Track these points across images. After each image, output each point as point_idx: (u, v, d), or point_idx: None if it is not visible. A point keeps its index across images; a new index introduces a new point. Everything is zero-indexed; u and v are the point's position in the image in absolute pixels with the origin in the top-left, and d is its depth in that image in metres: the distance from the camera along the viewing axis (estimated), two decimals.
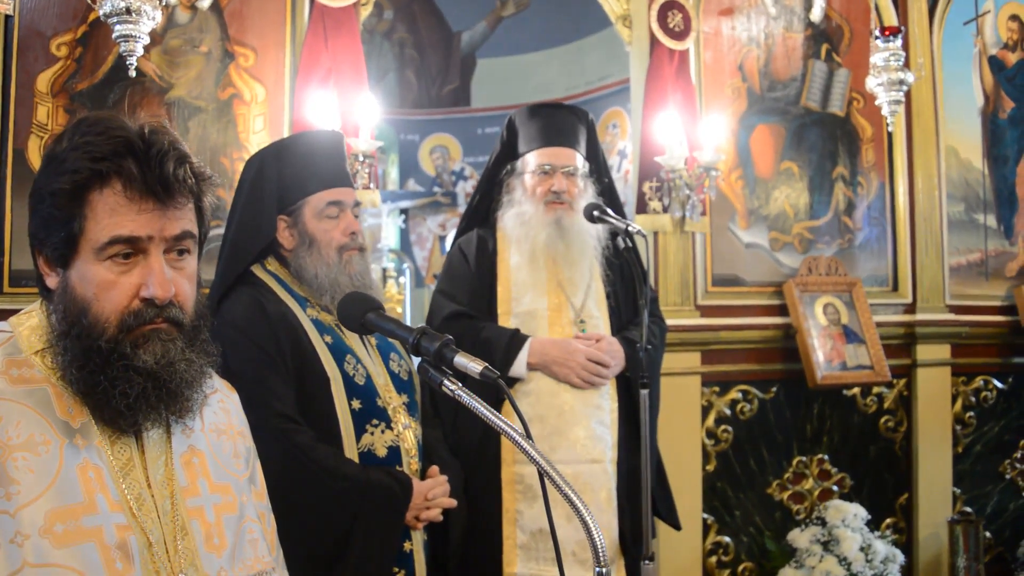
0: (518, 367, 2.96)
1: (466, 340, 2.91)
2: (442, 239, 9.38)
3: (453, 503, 2.46)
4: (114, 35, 2.99)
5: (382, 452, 2.39)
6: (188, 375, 1.37)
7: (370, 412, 2.39)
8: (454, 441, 2.83)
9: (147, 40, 3.03)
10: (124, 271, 1.33)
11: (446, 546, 2.56)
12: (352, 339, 2.47)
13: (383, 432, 2.40)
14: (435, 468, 2.48)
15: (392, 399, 2.45)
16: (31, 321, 1.40)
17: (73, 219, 1.32)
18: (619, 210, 3.23)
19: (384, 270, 7.68)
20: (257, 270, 2.49)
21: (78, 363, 1.31)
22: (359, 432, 2.37)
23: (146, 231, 1.33)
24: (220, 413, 1.54)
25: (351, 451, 2.35)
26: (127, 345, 1.32)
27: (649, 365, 2.91)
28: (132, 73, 3.07)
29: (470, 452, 2.90)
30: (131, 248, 1.33)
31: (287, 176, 2.47)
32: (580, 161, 3.12)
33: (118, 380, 1.31)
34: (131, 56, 3.00)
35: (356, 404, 2.37)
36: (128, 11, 2.93)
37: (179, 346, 1.37)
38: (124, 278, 1.33)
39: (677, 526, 3.24)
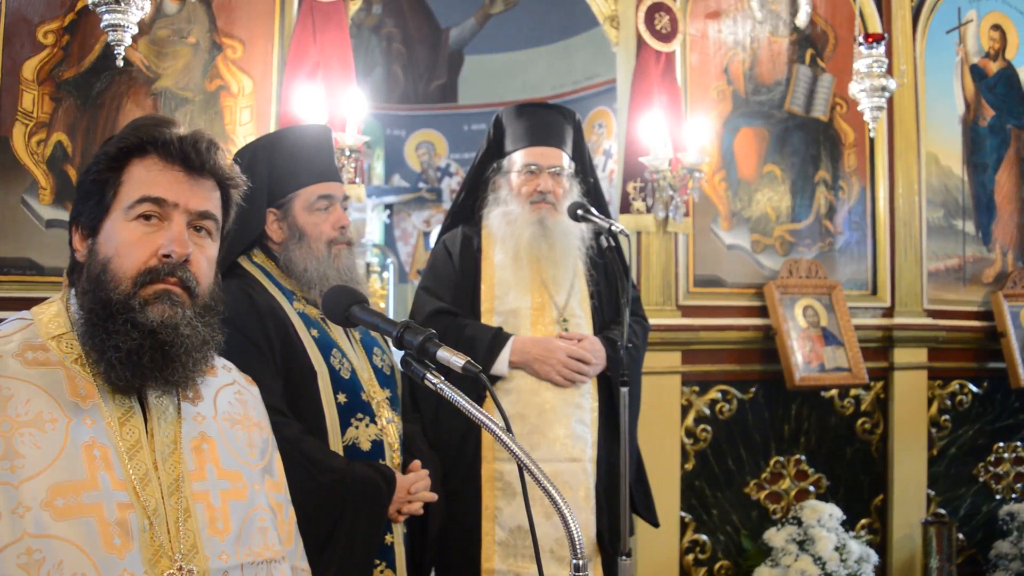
0: (500, 365, 2.97)
1: (449, 337, 2.92)
2: (426, 235, 9.37)
3: (434, 497, 2.48)
4: (102, 24, 2.99)
5: (366, 446, 2.40)
6: (190, 342, 1.44)
7: (355, 406, 2.41)
8: (434, 437, 2.85)
9: (135, 30, 3.03)
10: (148, 232, 1.43)
11: (424, 539, 2.58)
12: (337, 333, 2.48)
13: (367, 426, 2.41)
14: (417, 462, 2.50)
15: (376, 393, 2.46)
16: (51, 309, 1.47)
17: (109, 183, 1.43)
18: (604, 210, 3.24)
19: (368, 265, 7.68)
20: (244, 262, 2.49)
21: (87, 316, 1.40)
22: (344, 425, 2.38)
23: (173, 196, 1.44)
24: (236, 404, 1.60)
25: (336, 444, 2.36)
26: (137, 301, 1.40)
27: (631, 364, 2.93)
28: (120, 63, 3.07)
29: (451, 448, 2.92)
30: (157, 209, 1.43)
31: (278, 169, 2.48)
32: (566, 161, 3.13)
33: (117, 333, 1.38)
34: (119, 45, 3.00)
35: (341, 398, 2.38)
36: (117, 0, 2.93)
37: (187, 313, 1.44)
38: (146, 238, 1.43)
39: (655, 523, 3.27)
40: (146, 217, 1.43)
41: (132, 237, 1.42)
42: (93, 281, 1.41)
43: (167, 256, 1.42)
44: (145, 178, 1.44)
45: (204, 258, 1.49)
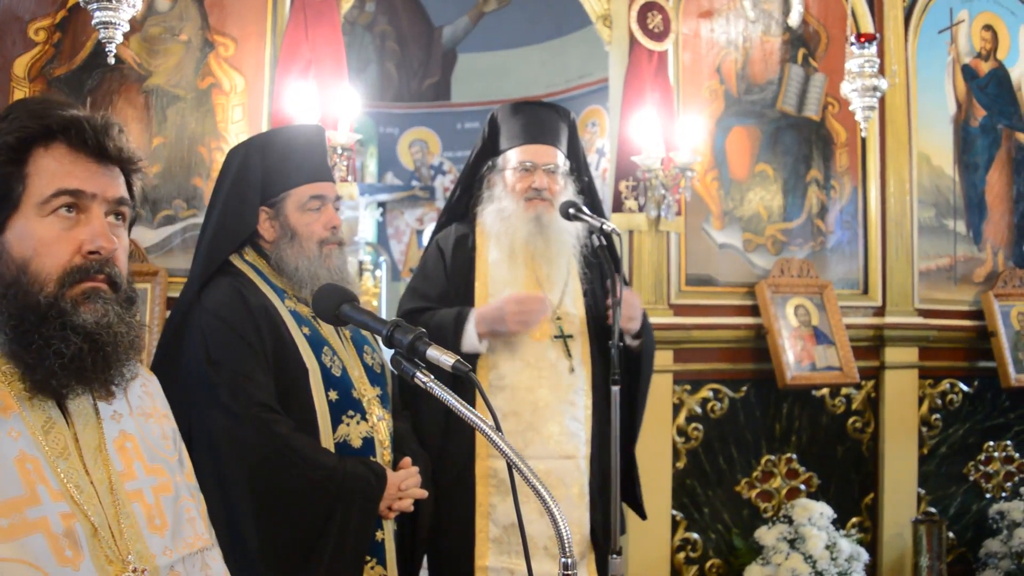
0: (469, 340, 2.93)
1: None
2: (419, 233, 9.38)
3: (424, 494, 2.49)
4: (94, 21, 2.98)
5: (357, 443, 2.41)
6: (125, 340, 1.37)
7: (346, 403, 2.41)
8: (436, 436, 2.86)
9: (127, 27, 3.03)
10: (67, 227, 1.34)
11: (414, 536, 2.60)
12: (328, 331, 2.48)
13: (358, 423, 2.42)
14: (407, 459, 2.51)
15: (367, 391, 2.48)
16: None
17: (14, 177, 1.33)
18: (599, 209, 3.24)
19: (360, 263, 7.69)
20: (236, 260, 2.49)
21: (12, 322, 1.30)
22: (335, 423, 2.39)
23: (91, 187, 1.36)
24: (144, 397, 1.54)
25: (327, 441, 2.37)
26: (67, 302, 1.32)
27: (645, 352, 3.02)
28: (111, 60, 3.06)
29: (443, 445, 2.92)
30: (75, 202, 1.35)
31: (271, 168, 2.48)
32: (561, 159, 3.14)
33: (54, 339, 1.30)
34: (110, 43, 3.00)
35: (333, 395, 2.39)
36: None
37: (116, 309, 1.37)
38: (67, 235, 1.34)
39: (643, 515, 3.29)
40: (65, 209, 1.34)
41: (51, 234, 1.32)
42: (10, 284, 1.31)
43: (94, 253, 1.34)
44: (57, 169, 1.34)
45: (123, 249, 1.41)
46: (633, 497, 3.25)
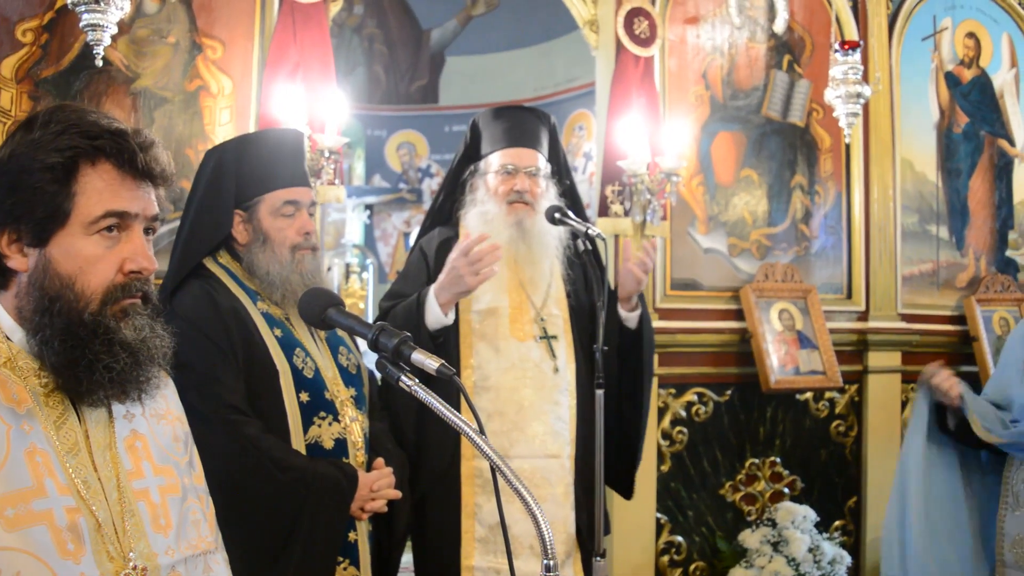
0: (433, 314, 2.90)
1: (394, 325, 2.88)
2: (406, 236, 9.37)
3: (398, 494, 2.50)
4: (81, 23, 2.99)
5: (329, 444, 2.42)
6: (159, 352, 1.44)
7: (318, 405, 2.42)
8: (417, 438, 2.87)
9: (115, 29, 3.03)
10: (110, 245, 1.39)
11: (390, 536, 2.60)
12: (302, 333, 2.49)
13: (330, 424, 2.43)
14: (380, 460, 2.52)
15: (340, 392, 2.48)
16: None
17: (63, 194, 1.36)
18: (581, 212, 3.27)
19: (348, 265, 7.69)
20: (209, 263, 2.50)
21: (60, 336, 1.35)
22: (307, 424, 2.40)
23: (135, 208, 1.41)
24: (159, 399, 1.57)
25: (298, 443, 2.38)
26: (110, 319, 1.38)
27: (642, 344, 3.07)
28: (99, 62, 3.06)
29: (420, 443, 2.94)
30: (119, 222, 1.40)
31: (245, 172, 2.48)
32: (542, 162, 3.16)
33: (103, 354, 1.36)
34: (98, 45, 3.00)
35: (304, 397, 2.40)
36: (96, 0, 2.93)
37: (151, 323, 1.44)
38: (110, 253, 1.39)
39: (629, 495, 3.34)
40: (107, 229, 1.39)
41: (96, 252, 1.38)
42: (53, 298, 1.36)
43: (135, 272, 1.40)
44: (104, 189, 1.38)
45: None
46: (627, 478, 3.28)
